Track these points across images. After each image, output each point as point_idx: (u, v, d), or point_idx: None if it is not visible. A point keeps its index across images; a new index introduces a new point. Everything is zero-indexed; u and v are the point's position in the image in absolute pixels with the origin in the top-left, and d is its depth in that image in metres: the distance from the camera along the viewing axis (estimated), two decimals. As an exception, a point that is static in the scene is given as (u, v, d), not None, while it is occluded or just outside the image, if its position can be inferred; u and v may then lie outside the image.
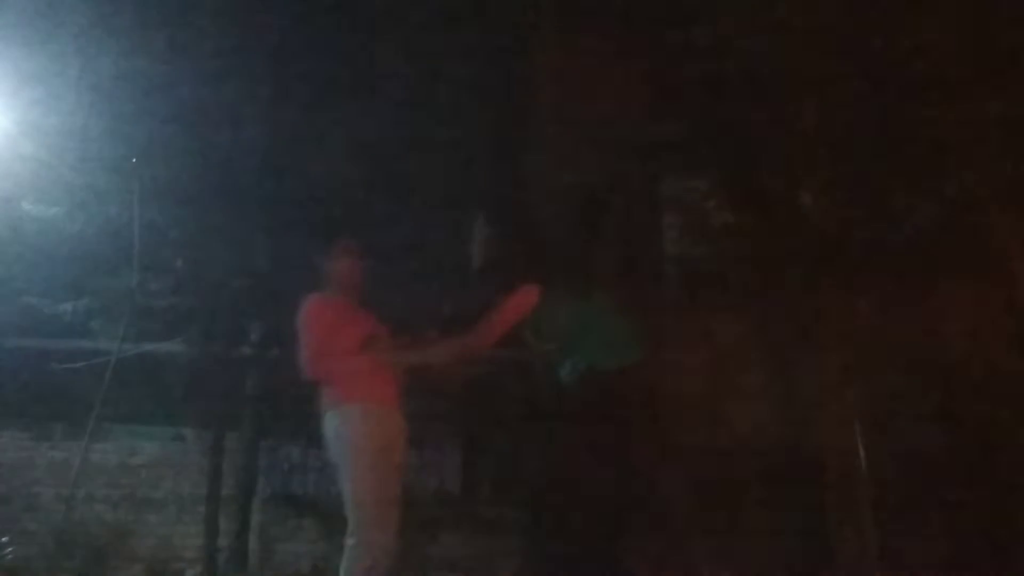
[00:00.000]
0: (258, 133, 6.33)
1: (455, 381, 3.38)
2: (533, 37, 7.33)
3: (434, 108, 6.65)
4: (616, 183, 6.76)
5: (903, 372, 5.79)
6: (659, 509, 3.63)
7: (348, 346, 3.34)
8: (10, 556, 6.23)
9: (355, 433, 3.23)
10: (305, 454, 7.88)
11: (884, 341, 5.72)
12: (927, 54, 4.99)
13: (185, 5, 6.13)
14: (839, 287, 5.60)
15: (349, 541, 3.15)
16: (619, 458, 3.12)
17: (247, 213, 6.47)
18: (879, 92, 5.18)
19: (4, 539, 6.32)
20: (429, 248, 7.05)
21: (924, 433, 5.74)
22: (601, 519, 3.17)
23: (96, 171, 6.13)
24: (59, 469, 7.14)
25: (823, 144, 5.46)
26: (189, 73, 6.00)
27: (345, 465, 3.23)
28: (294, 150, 6.48)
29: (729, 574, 5.58)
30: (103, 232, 6.40)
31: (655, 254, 6.86)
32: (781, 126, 5.52)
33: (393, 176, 6.83)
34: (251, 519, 7.14)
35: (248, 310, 6.94)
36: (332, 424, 3.30)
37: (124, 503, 7.39)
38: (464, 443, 7.99)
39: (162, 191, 6.26)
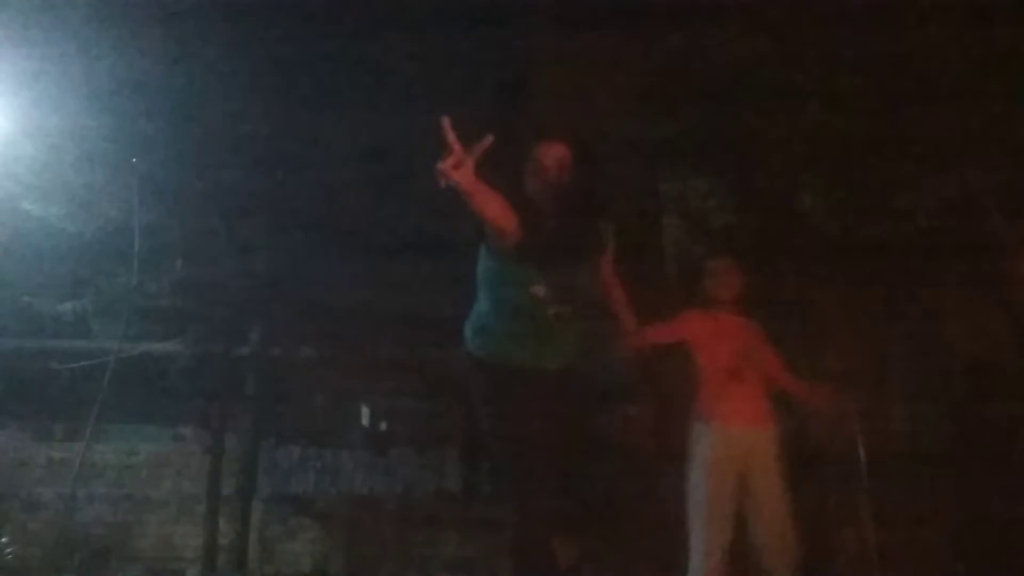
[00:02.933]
0: (258, 133, 6.33)
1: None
2: (533, 36, 7.33)
3: (434, 108, 6.64)
4: (616, 183, 6.75)
5: (904, 373, 5.78)
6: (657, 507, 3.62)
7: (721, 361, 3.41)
8: (10, 556, 6.23)
9: (704, 451, 3.35)
10: (305, 454, 7.90)
11: (885, 341, 5.72)
12: (927, 53, 4.99)
13: (185, 5, 6.12)
14: (839, 287, 5.60)
15: None
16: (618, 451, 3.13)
17: (247, 213, 6.47)
18: (879, 92, 5.18)
19: (4, 539, 6.32)
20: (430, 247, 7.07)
21: (925, 433, 5.73)
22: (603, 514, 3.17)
23: (96, 171, 6.13)
24: (59, 469, 7.15)
25: (823, 144, 5.46)
26: (189, 73, 6.00)
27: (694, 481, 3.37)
28: (295, 150, 6.48)
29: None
30: (103, 232, 6.40)
31: (655, 254, 6.86)
32: (781, 126, 5.52)
33: (392, 176, 6.83)
34: (251, 519, 7.14)
35: (248, 310, 6.94)
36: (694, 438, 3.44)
37: (124, 503, 7.40)
38: (464, 443, 8.00)
39: (162, 191, 6.26)
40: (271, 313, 6.90)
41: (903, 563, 5.24)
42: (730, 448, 3.34)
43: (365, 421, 8.60)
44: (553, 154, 2.45)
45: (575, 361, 2.86)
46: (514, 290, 2.56)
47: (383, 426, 8.57)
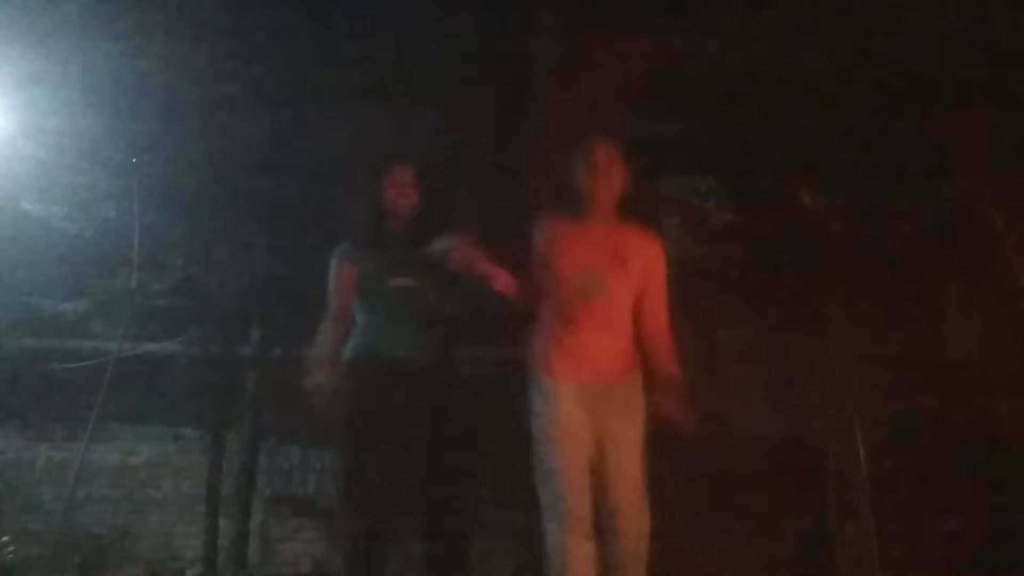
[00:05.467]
0: (258, 133, 6.32)
1: None
2: (533, 34, 7.33)
3: (434, 107, 6.66)
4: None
5: (904, 372, 5.79)
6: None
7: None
8: (10, 556, 6.23)
9: (542, 415, 2.76)
10: (305, 454, 7.89)
11: (884, 341, 5.72)
12: (928, 54, 4.99)
13: (185, 5, 6.12)
14: (839, 287, 5.61)
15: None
16: None
17: (247, 213, 6.47)
18: (879, 92, 5.18)
19: (4, 539, 6.32)
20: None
21: (925, 433, 5.73)
22: None
23: (96, 171, 6.13)
24: (59, 469, 7.14)
25: (823, 144, 5.47)
26: (189, 73, 6.00)
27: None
28: (294, 150, 6.48)
29: (728, 573, 5.58)
30: (103, 232, 6.40)
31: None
32: (781, 126, 5.52)
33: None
34: (251, 519, 7.14)
35: (248, 310, 6.94)
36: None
37: (124, 503, 7.39)
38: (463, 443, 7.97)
39: (162, 191, 6.26)
40: (271, 313, 6.89)
41: (903, 563, 5.25)
42: (574, 408, 2.71)
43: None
44: (402, 174, 3.07)
45: (433, 353, 3.09)
46: (364, 279, 3.12)
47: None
